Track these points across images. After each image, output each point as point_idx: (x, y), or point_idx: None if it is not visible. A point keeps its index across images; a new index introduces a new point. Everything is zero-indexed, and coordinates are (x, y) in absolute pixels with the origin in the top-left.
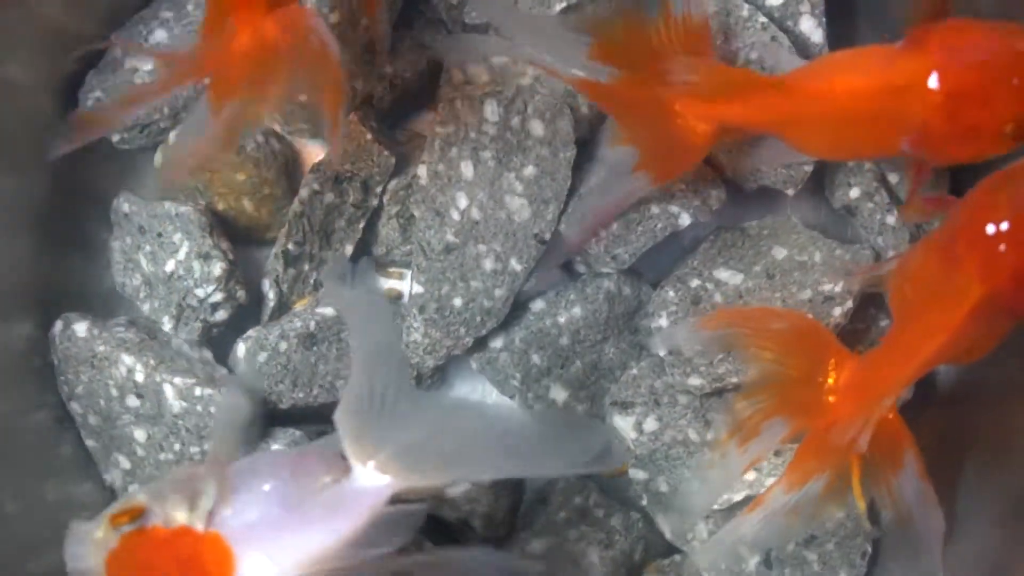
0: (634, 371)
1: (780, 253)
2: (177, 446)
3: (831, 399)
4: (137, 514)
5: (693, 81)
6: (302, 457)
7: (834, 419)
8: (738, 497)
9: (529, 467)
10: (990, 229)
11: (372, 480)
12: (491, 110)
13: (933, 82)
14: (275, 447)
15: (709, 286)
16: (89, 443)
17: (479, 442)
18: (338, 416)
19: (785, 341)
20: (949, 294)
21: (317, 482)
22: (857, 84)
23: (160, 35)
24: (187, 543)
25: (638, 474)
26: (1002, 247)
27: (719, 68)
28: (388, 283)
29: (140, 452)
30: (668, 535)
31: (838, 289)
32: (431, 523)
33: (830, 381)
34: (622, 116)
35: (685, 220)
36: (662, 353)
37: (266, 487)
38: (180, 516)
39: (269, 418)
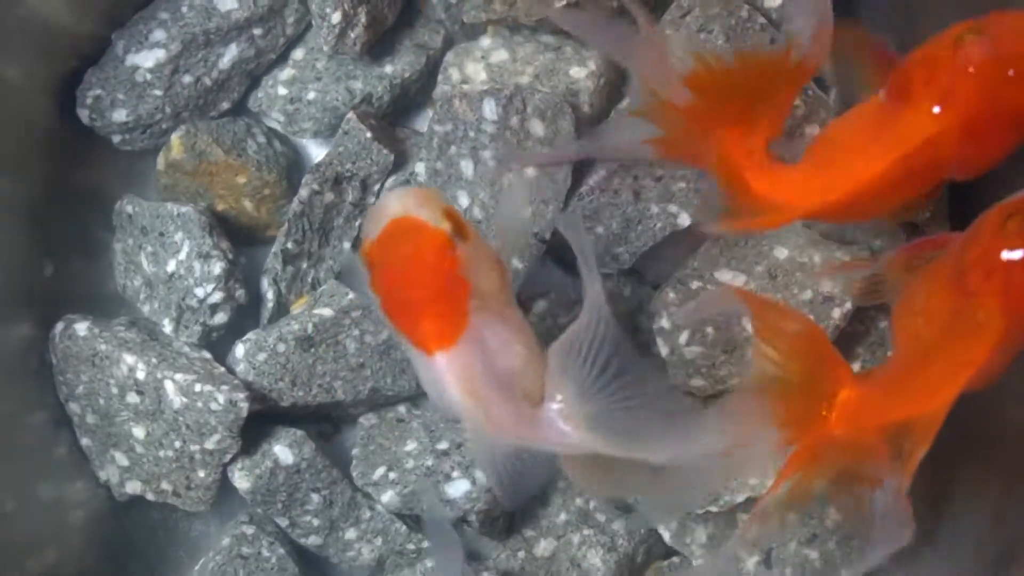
0: None
1: (782, 253)
2: (178, 443)
3: (825, 413)
4: (461, 231)
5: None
6: (518, 354)
7: (828, 434)
8: (740, 498)
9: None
10: (1006, 259)
11: (555, 420)
12: (489, 109)
13: (940, 126)
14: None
15: (711, 288)
16: (84, 441)
17: (664, 429)
18: (552, 349)
19: (793, 344)
20: (970, 330)
21: (516, 383)
22: (875, 168)
23: (159, 35)
24: (455, 291)
25: None
26: (1021, 276)
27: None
28: None
29: (139, 449)
30: (667, 539)
31: (837, 290)
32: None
33: (828, 394)
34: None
35: (685, 220)
36: (665, 324)
37: (500, 346)
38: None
39: (270, 417)
